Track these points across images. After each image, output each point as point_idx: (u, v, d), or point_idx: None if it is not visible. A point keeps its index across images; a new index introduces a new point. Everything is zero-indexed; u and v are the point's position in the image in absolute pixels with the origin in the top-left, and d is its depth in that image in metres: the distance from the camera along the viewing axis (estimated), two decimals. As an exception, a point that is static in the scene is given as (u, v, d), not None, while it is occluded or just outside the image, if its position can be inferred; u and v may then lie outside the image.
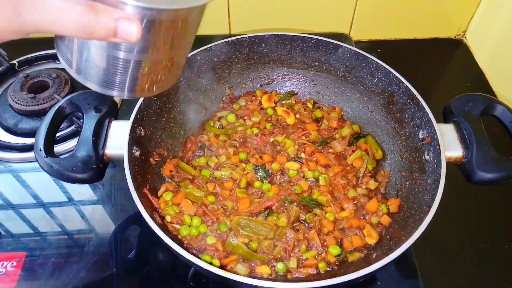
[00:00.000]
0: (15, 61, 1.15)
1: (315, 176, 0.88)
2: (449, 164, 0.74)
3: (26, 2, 0.38)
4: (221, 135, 0.96)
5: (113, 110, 0.81)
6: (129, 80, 0.49)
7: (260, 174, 0.88)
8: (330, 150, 0.93)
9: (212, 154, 0.93)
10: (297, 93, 1.06)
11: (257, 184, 0.87)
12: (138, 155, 0.80)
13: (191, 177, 0.88)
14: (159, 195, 0.83)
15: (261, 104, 1.02)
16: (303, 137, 0.95)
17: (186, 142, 0.95)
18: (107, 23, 0.40)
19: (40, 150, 0.72)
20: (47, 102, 1.01)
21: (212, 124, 0.99)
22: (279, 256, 0.77)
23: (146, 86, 0.51)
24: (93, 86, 0.49)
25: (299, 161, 0.90)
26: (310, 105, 1.02)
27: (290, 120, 0.99)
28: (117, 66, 0.47)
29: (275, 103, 1.03)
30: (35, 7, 0.39)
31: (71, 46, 0.47)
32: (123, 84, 0.49)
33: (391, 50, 1.29)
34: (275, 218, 0.81)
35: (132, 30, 0.41)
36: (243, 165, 0.90)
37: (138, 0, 0.40)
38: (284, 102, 1.03)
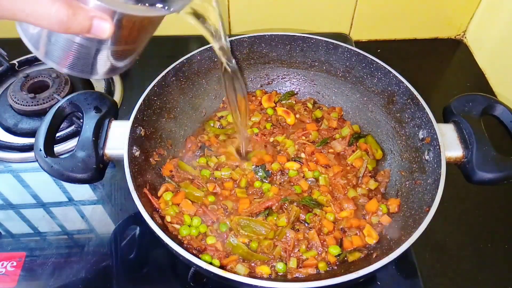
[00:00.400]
0: (15, 61, 1.15)
1: (315, 176, 0.88)
2: (449, 164, 0.74)
3: None
4: (221, 135, 0.96)
5: (113, 110, 0.81)
6: (91, 64, 0.52)
7: (260, 174, 0.88)
8: (330, 150, 0.93)
9: (212, 154, 0.93)
10: (297, 93, 1.05)
11: (257, 184, 0.87)
12: (138, 155, 0.79)
13: (191, 177, 0.88)
14: (159, 195, 0.83)
15: (261, 104, 1.02)
16: (303, 137, 0.95)
17: (186, 142, 0.95)
18: (83, 21, 0.42)
19: (40, 150, 0.72)
20: (47, 102, 1.01)
21: (212, 124, 0.98)
22: (279, 256, 0.77)
23: (106, 69, 0.55)
24: (56, 66, 0.52)
25: (299, 161, 0.90)
26: (310, 105, 1.02)
27: (290, 120, 0.99)
28: (82, 52, 0.50)
29: (275, 103, 1.03)
30: None
31: (39, 30, 0.49)
32: (85, 67, 0.53)
33: (391, 50, 1.29)
34: (275, 218, 0.81)
35: (105, 29, 0.44)
36: (243, 165, 0.90)
37: (115, 5, 0.44)
38: (284, 102, 1.03)
